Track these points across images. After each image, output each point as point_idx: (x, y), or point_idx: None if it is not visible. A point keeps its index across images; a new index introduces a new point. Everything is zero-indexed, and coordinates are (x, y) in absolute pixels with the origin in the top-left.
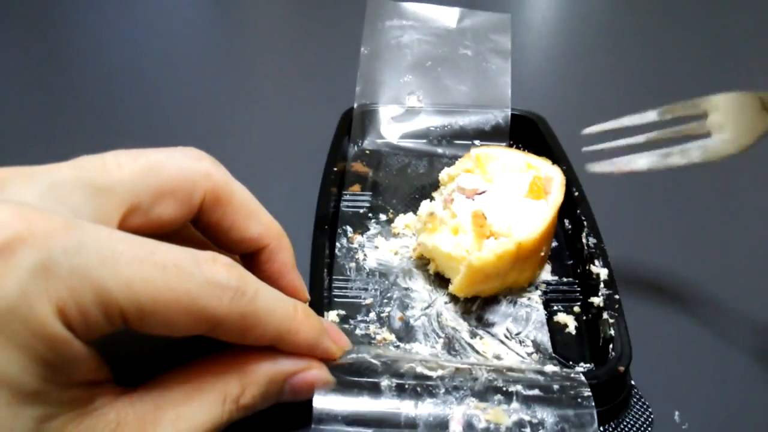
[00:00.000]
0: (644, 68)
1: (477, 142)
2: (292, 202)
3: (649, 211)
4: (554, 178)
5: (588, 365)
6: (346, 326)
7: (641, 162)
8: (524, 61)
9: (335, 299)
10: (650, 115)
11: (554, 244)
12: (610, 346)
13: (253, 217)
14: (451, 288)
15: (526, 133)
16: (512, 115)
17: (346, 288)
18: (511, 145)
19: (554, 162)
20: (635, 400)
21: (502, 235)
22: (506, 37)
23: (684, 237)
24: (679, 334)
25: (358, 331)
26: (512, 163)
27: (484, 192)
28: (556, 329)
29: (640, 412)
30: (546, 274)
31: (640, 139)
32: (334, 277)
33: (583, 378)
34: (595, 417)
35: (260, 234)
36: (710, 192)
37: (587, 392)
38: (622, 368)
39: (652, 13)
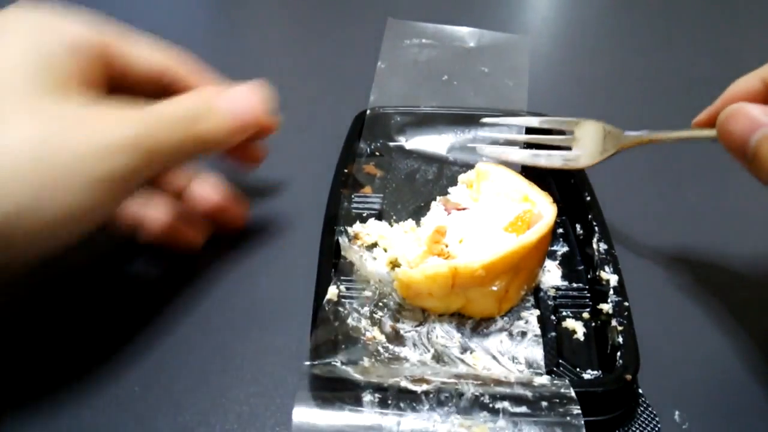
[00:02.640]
0: (656, 70)
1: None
2: (302, 202)
3: (661, 218)
4: (544, 218)
5: (595, 372)
6: (341, 310)
7: (515, 155)
8: (537, 64)
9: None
10: (533, 120)
11: (565, 249)
12: (618, 353)
13: (151, 47)
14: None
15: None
16: None
17: (350, 288)
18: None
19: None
20: (642, 408)
21: (453, 259)
22: (524, 57)
23: (695, 245)
24: (686, 341)
25: (350, 321)
26: (509, 190)
27: (464, 209)
28: (564, 335)
29: (647, 422)
30: (556, 279)
31: (519, 138)
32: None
33: (573, 394)
34: None
35: (163, 60)
36: (723, 203)
37: (576, 410)
38: (629, 376)
39: (666, 16)
